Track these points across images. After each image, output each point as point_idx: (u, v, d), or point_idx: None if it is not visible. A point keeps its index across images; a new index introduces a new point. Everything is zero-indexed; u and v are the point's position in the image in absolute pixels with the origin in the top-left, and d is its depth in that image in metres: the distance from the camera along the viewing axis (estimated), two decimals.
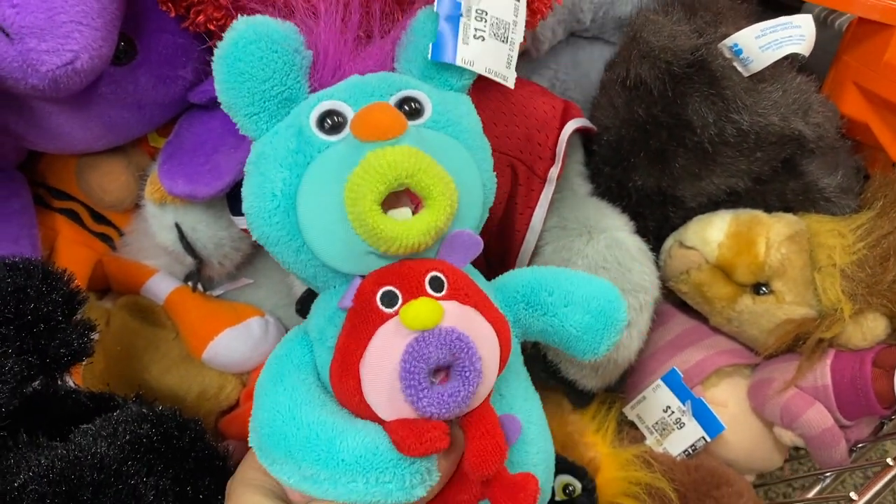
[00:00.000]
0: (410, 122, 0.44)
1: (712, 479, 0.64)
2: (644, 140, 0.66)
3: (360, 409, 0.43)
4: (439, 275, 0.44)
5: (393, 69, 0.50)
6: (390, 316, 0.42)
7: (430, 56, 0.48)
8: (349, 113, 0.45)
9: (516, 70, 0.74)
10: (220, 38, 0.59)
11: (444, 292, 0.43)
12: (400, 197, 0.43)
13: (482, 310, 0.44)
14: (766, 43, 0.59)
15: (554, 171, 0.67)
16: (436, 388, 0.40)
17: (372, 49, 0.49)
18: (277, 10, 0.51)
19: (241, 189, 0.61)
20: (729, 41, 0.60)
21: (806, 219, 0.68)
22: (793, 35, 0.59)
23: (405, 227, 0.41)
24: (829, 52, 0.72)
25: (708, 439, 0.67)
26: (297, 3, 0.48)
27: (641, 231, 0.69)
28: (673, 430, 0.69)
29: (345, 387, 0.43)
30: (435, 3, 0.48)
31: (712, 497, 0.63)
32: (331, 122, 0.45)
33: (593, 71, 0.77)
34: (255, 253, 0.74)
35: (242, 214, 0.63)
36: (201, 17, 0.57)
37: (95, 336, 0.53)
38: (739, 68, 0.61)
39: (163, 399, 0.65)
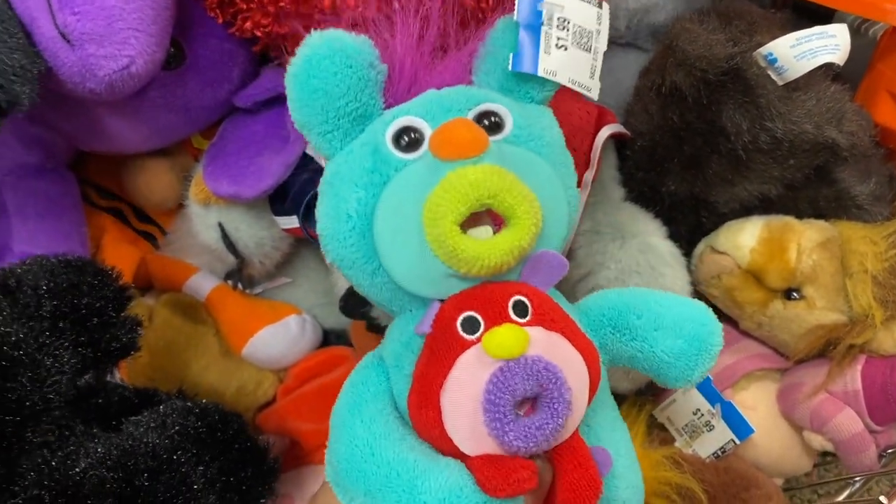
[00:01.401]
0: (491, 138, 0.42)
1: (742, 481, 0.65)
2: (678, 146, 0.67)
3: (441, 441, 0.41)
4: (523, 299, 0.41)
5: (470, 82, 0.48)
6: (472, 343, 0.40)
7: (510, 67, 0.45)
8: (426, 129, 0.43)
9: None
10: (267, 44, 0.62)
11: (528, 318, 0.41)
12: (480, 216, 0.41)
13: (569, 336, 0.42)
14: (801, 52, 0.60)
15: (589, 176, 0.68)
16: (522, 421, 0.38)
17: (448, 62, 0.48)
18: (342, 21, 0.52)
19: (284, 190, 0.64)
20: (764, 50, 0.61)
21: (838, 225, 0.69)
22: (828, 44, 0.60)
23: (487, 247, 0.40)
24: (863, 61, 0.73)
25: (737, 442, 0.68)
26: (372, 15, 0.48)
27: (674, 236, 0.70)
28: (702, 432, 0.69)
29: (424, 418, 0.41)
30: (514, 12, 0.46)
31: (741, 499, 0.64)
32: (407, 139, 0.43)
33: (627, 77, 0.77)
34: (293, 252, 0.76)
35: (284, 214, 0.66)
36: (248, 24, 0.59)
37: (142, 332, 0.56)
38: (774, 77, 0.62)
39: (203, 394, 0.67)
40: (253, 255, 0.71)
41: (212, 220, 0.69)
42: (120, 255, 0.73)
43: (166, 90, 0.62)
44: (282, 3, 0.55)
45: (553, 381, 0.39)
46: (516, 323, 0.40)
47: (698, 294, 0.73)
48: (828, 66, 0.63)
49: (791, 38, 0.60)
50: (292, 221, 0.65)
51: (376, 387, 0.45)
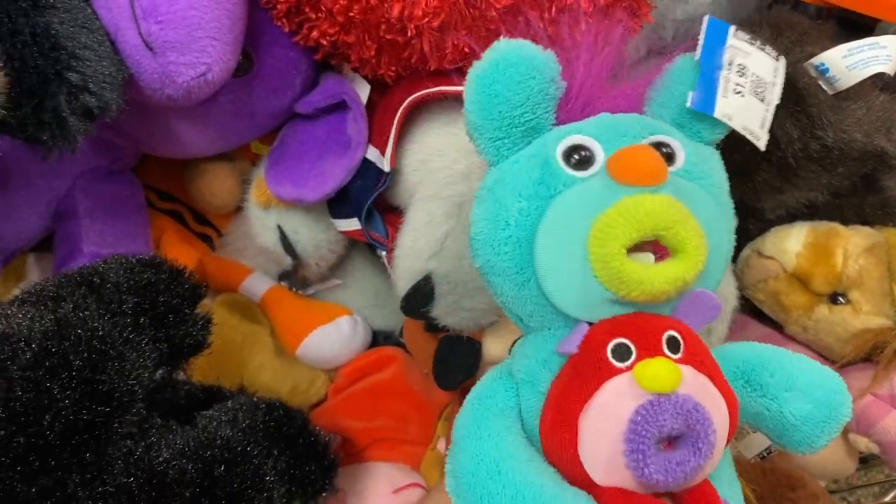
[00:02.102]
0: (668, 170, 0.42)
1: (788, 481, 0.66)
2: (728, 153, 0.68)
3: (571, 466, 0.40)
4: (677, 335, 0.41)
5: (643, 112, 0.48)
6: (621, 371, 0.39)
7: (689, 104, 0.45)
8: (598, 150, 0.43)
9: None
10: (328, 52, 0.64)
11: (680, 355, 0.40)
12: (643, 244, 0.40)
13: (715, 380, 0.41)
14: (853, 63, 0.61)
15: None
16: (664, 455, 0.38)
17: (624, 88, 0.48)
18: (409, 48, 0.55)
19: (343, 193, 0.66)
20: (816, 60, 0.62)
21: (884, 231, 0.70)
22: (879, 55, 0.61)
23: (652, 272, 0.39)
24: None
25: None
26: (562, 32, 0.47)
27: None
28: (748, 433, 0.70)
29: (558, 438, 0.40)
30: (697, 52, 0.46)
31: (788, 499, 0.65)
32: (578, 157, 0.42)
33: None
34: (344, 255, 0.78)
35: (343, 217, 0.67)
36: (315, 33, 0.61)
37: (212, 329, 0.57)
38: (825, 86, 0.63)
39: (258, 393, 0.69)
40: (310, 256, 0.73)
41: (271, 222, 0.71)
42: (178, 255, 0.74)
43: (234, 97, 0.64)
44: (351, 14, 0.56)
45: (702, 422, 0.38)
46: (669, 358, 0.40)
47: (744, 300, 0.74)
48: (877, 77, 0.64)
49: (843, 48, 0.62)
50: (352, 224, 0.66)
51: (504, 402, 0.44)
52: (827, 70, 0.62)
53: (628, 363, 0.39)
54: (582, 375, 0.40)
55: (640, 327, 0.41)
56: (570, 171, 0.42)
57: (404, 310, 0.60)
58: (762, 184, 0.68)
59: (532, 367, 0.43)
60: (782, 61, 0.49)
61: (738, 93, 0.46)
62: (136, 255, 0.54)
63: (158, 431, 0.50)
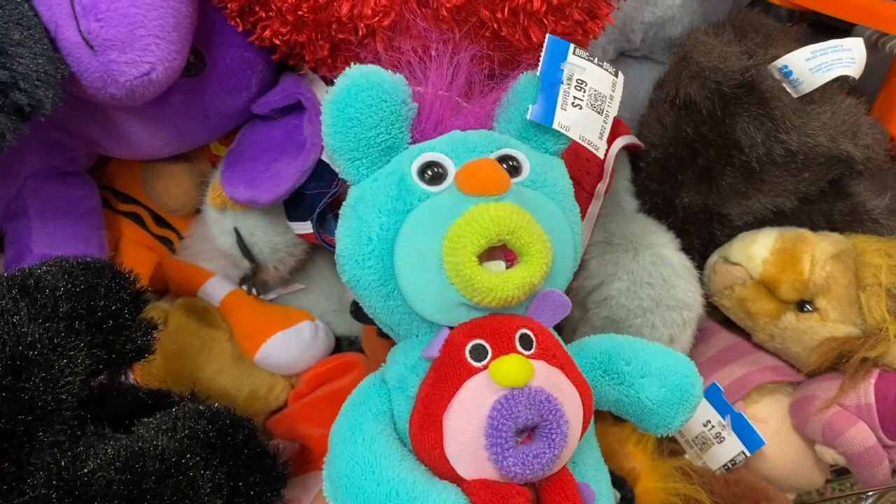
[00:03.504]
0: (511, 180, 0.45)
1: (752, 493, 0.65)
2: (692, 158, 0.67)
3: (439, 464, 0.43)
4: (529, 333, 0.44)
5: (492, 128, 0.51)
6: (479, 370, 0.42)
7: (528, 116, 0.49)
8: (450, 166, 0.46)
9: None
10: (285, 52, 0.63)
11: (532, 351, 0.43)
12: (494, 251, 0.44)
13: (568, 372, 0.44)
14: (817, 65, 0.60)
15: (601, 187, 0.68)
16: (521, 448, 0.40)
17: (473, 107, 0.51)
18: (363, 47, 0.55)
19: (299, 196, 0.65)
20: (779, 63, 0.61)
21: (852, 238, 0.68)
22: (843, 58, 0.60)
23: (501, 280, 0.42)
24: (880, 75, 0.73)
25: (748, 454, 0.67)
26: (409, 56, 0.51)
27: (687, 248, 0.70)
28: (713, 444, 0.69)
29: (426, 439, 0.43)
30: (538, 69, 0.49)
31: None
32: (431, 173, 0.46)
33: (642, 90, 0.78)
34: (307, 259, 0.77)
35: (298, 220, 0.66)
36: (267, 32, 0.59)
37: (157, 335, 0.56)
38: (789, 89, 0.62)
39: (215, 398, 0.67)
40: (268, 260, 0.71)
41: (228, 224, 0.69)
42: (137, 258, 0.73)
43: (186, 97, 0.63)
44: (300, 12, 0.55)
45: (553, 412, 0.41)
46: (522, 354, 0.42)
47: (711, 307, 0.73)
48: (843, 80, 0.63)
49: (806, 50, 0.60)
50: (307, 227, 0.65)
51: (377, 407, 0.47)
52: (790, 73, 0.61)
53: (485, 362, 0.42)
54: (444, 377, 0.43)
55: (495, 328, 0.43)
56: (424, 187, 0.45)
57: (354, 315, 0.59)
58: (727, 189, 0.67)
59: (401, 373, 0.46)
60: (620, 77, 0.53)
61: (577, 106, 0.50)
62: (78, 257, 0.53)
63: (89, 440, 0.48)
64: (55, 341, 0.46)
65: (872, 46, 0.74)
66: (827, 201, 0.68)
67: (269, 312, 0.74)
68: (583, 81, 0.51)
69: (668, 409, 0.49)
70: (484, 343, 0.43)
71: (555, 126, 0.49)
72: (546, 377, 0.43)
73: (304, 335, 0.73)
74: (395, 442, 0.45)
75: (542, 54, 0.50)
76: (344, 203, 0.49)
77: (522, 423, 0.40)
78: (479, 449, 0.41)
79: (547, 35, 0.50)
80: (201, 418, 0.53)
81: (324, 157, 0.65)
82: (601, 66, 0.52)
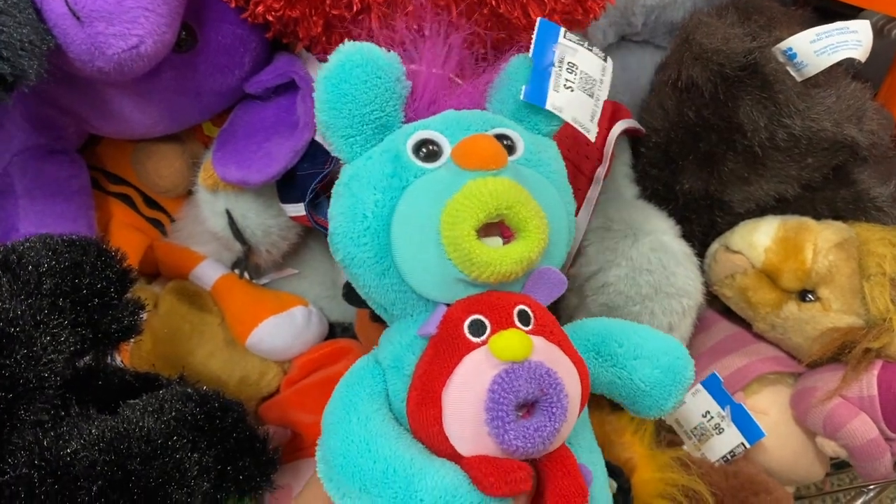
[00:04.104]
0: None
1: (751, 485, 0.64)
2: (693, 143, 0.66)
3: (438, 440, 0.42)
4: (527, 309, 0.43)
5: (485, 109, 0.51)
6: (478, 345, 0.42)
7: (521, 96, 0.48)
8: (445, 144, 0.45)
9: None
10: (279, 31, 0.62)
11: (531, 327, 0.43)
12: (491, 228, 0.43)
13: (565, 349, 0.44)
14: (822, 47, 0.59)
15: (601, 171, 0.67)
16: (522, 422, 0.40)
17: (466, 88, 0.51)
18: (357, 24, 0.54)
19: (292, 177, 0.64)
20: (783, 45, 0.60)
21: (856, 227, 0.67)
22: (849, 40, 0.59)
23: (499, 254, 0.41)
24: (885, 62, 0.72)
25: (747, 445, 0.66)
26: (403, 34, 0.51)
27: (687, 236, 0.69)
28: (712, 435, 0.68)
29: (424, 415, 0.42)
30: (530, 51, 0.49)
31: None
32: (426, 151, 0.45)
33: (642, 75, 0.77)
34: (300, 244, 0.76)
35: (291, 202, 0.65)
36: (260, 8, 0.58)
37: (145, 315, 0.55)
38: (793, 72, 0.61)
39: (206, 383, 0.66)
40: (260, 243, 0.70)
41: (220, 206, 0.68)
42: (127, 240, 0.72)
43: (177, 73, 0.61)
44: None
45: (553, 386, 0.41)
46: (521, 330, 0.42)
47: (712, 296, 0.72)
48: (849, 65, 0.62)
49: (811, 33, 0.59)
50: (299, 209, 0.64)
51: (371, 387, 0.46)
52: (795, 55, 0.60)
53: (483, 337, 0.42)
54: (442, 354, 0.42)
55: (493, 304, 0.43)
56: (419, 164, 0.45)
57: (346, 298, 0.58)
58: (729, 174, 0.66)
59: (397, 352, 0.46)
60: (609, 62, 0.53)
61: (569, 88, 0.50)
62: (62, 235, 0.52)
63: (73, 420, 0.47)
64: (38, 318, 0.45)
65: (878, 33, 0.73)
66: (830, 189, 0.67)
67: (261, 297, 0.73)
68: (574, 64, 0.51)
69: (661, 390, 0.49)
70: (483, 318, 0.42)
71: (547, 107, 0.49)
72: (545, 352, 0.42)
73: (297, 320, 0.72)
74: (391, 421, 0.44)
75: (534, 37, 0.50)
76: (336, 182, 0.48)
77: (523, 397, 0.40)
78: (479, 424, 0.40)
79: (538, 18, 0.50)
80: (189, 401, 0.52)
81: (317, 138, 0.64)
82: (591, 51, 0.52)
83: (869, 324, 0.65)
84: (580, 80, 0.51)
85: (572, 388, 0.43)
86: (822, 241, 0.66)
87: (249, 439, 0.54)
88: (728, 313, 0.74)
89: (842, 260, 0.65)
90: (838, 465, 0.76)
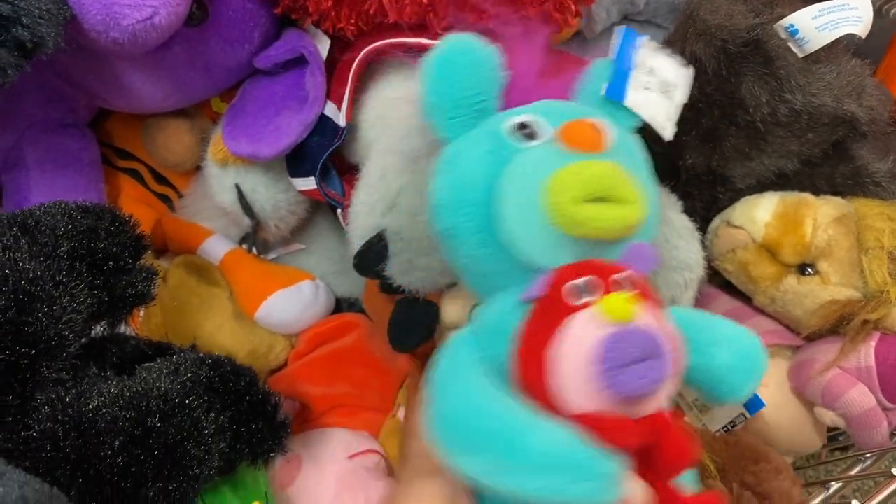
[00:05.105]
0: None
1: (751, 454, 0.65)
2: (696, 118, 0.67)
3: (545, 399, 0.42)
4: (628, 276, 0.44)
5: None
6: (585, 306, 0.42)
7: (602, 92, 0.51)
8: (545, 125, 0.47)
9: (570, 49, 0.75)
10: (288, 6, 0.63)
11: (634, 293, 0.44)
12: None
13: (660, 321, 0.44)
14: (823, 23, 0.60)
15: None
16: (632, 368, 0.41)
17: (555, 81, 0.53)
18: None
19: (301, 151, 0.64)
20: (785, 21, 0.61)
21: (854, 202, 0.68)
22: (850, 16, 0.60)
23: (604, 209, 0.43)
24: (884, 41, 0.73)
25: (748, 416, 0.67)
26: (504, 30, 0.52)
27: (689, 211, 0.69)
28: (712, 406, 0.69)
29: (531, 374, 0.43)
30: (612, 54, 0.52)
31: (751, 472, 0.64)
32: (526, 132, 0.47)
33: None
34: (308, 219, 0.77)
35: (301, 176, 0.66)
36: None
37: (157, 280, 0.56)
38: (795, 49, 0.61)
39: None
40: (269, 217, 0.71)
41: (229, 181, 0.69)
42: (136, 215, 0.72)
43: (188, 47, 0.62)
44: None
45: (660, 347, 0.42)
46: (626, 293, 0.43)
47: (713, 272, 0.73)
48: (849, 41, 0.63)
49: (813, 9, 0.60)
50: (309, 183, 0.65)
51: (470, 357, 0.46)
52: (796, 32, 0.61)
53: (590, 299, 0.42)
54: (549, 314, 0.43)
55: (597, 268, 0.44)
56: (519, 142, 0.46)
57: (357, 268, 0.59)
58: (731, 150, 0.67)
59: (499, 318, 0.46)
60: (690, 70, 0.55)
61: (647, 89, 0.53)
62: (76, 201, 0.53)
63: (92, 380, 0.48)
64: (56, 278, 0.46)
65: (877, 13, 0.74)
66: (830, 164, 0.68)
67: (269, 271, 0.74)
68: (652, 69, 0.53)
69: (738, 376, 0.50)
70: (588, 281, 0.43)
71: (627, 104, 0.51)
72: (649, 317, 0.43)
73: (305, 294, 0.73)
74: (496, 385, 0.44)
75: (614, 42, 0.53)
76: (439, 160, 0.50)
77: (630, 358, 0.41)
78: (587, 382, 0.41)
79: (622, 27, 0.54)
80: (203, 364, 0.53)
81: (326, 112, 0.65)
82: (671, 57, 0.54)
83: (867, 296, 0.66)
84: (659, 83, 0.53)
85: (674, 352, 0.43)
86: (821, 215, 0.67)
87: (262, 402, 0.55)
88: (729, 288, 0.75)
89: (841, 234, 0.66)
90: (832, 439, 0.77)
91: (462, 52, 0.47)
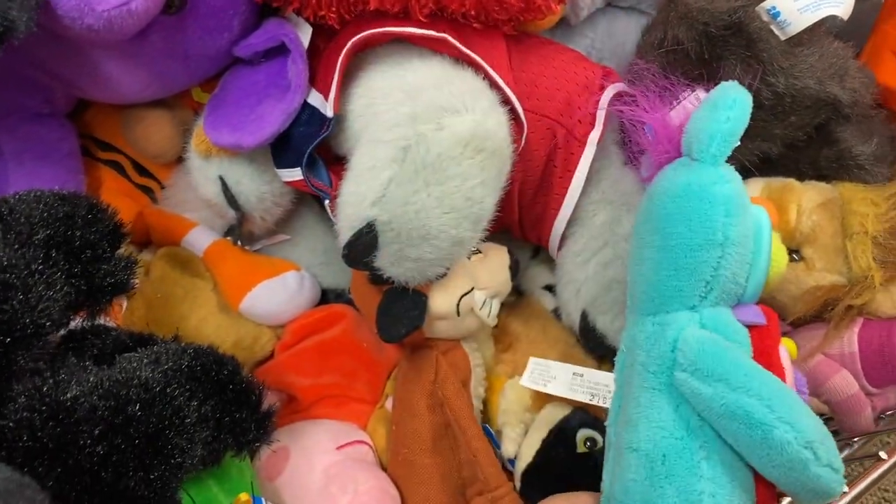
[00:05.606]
0: None
1: None
2: None
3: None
4: None
5: None
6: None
7: None
8: None
9: (554, 37, 0.75)
10: None
11: None
12: None
13: None
14: (805, 5, 0.60)
15: (594, 135, 0.68)
16: None
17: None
18: None
19: (286, 142, 0.64)
20: (767, 4, 0.61)
21: (839, 187, 0.68)
22: None
23: None
24: (867, 24, 0.73)
25: None
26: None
27: None
28: None
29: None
30: None
31: None
32: None
33: (629, 41, 0.77)
34: (294, 210, 0.76)
35: (287, 167, 0.65)
36: None
37: (138, 272, 0.55)
38: (776, 31, 0.61)
39: None
40: (254, 209, 0.70)
41: (213, 173, 0.68)
42: (117, 207, 0.71)
43: (166, 35, 0.61)
44: None
45: None
46: None
47: None
48: (831, 25, 0.63)
49: None
50: (295, 174, 0.64)
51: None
52: (778, 14, 0.61)
53: None
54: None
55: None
56: None
57: (346, 259, 0.58)
58: None
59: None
60: None
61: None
62: (53, 190, 0.52)
63: (70, 370, 0.48)
64: (32, 267, 0.46)
65: None
66: (813, 148, 0.68)
67: (253, 262, 0.73)
68: None
69: None
70: None
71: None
72: None
73: (290, 285, 0.73)
74: None
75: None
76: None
77: None
78: None
79: None
80: (184, 354, 0.53)
81: (310, 101, 0.64)
82: None
83: (851, 282, 0.66)
84: None
85: None
86: (805, 201, 0.67)
87: (246, 392, 0.55)
88: None
89: (825, 220, 0.66)
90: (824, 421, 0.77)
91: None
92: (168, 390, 0.48)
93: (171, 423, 0.47)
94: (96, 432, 0.44)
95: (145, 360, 0.50)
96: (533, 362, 0.69)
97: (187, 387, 0.50)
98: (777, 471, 0.45)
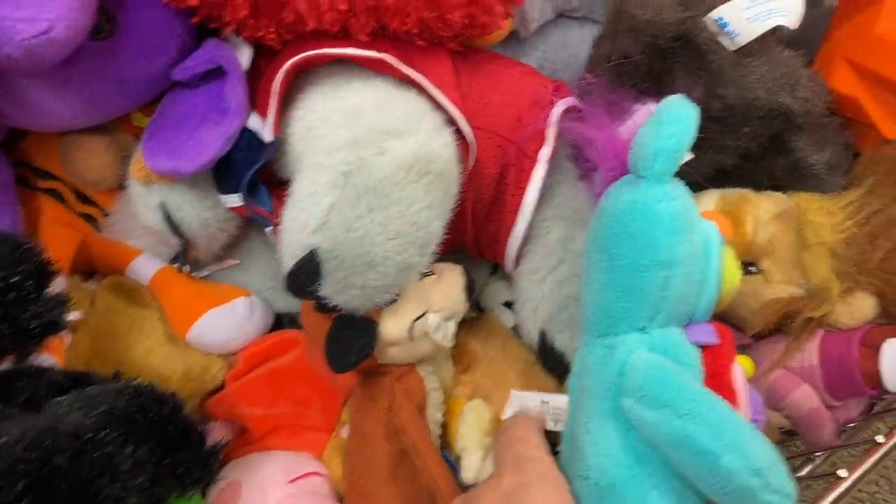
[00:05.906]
0: None
1: None
2: None
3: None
4: None
5: None
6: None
7: None
8: None
9: (505, 50, 0.73)
10: (205, 16, 0.60)
11: None
12: None
13: None
14: (754, 15, 0.59)
15: (545, 152, 0.66)
16: None
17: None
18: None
19: (229, 167, 0.62)
20: (714, 14, 0.60)
21: (795, 197, 0.67)
22: (780, 7, 0.59)
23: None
24: (820, 31, 0.72)
25: None
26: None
27: None
28: None
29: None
30: None
31: None
32: None
33: (582, 52, 0.76)
34: (241, 234, 0.74)
35: (230, 192, 0.63)
36: None
37: (73, 314, 0.53)
38: (725, 42, 0.60)
39: (147, 379, 0.64)
40: (198, 236, 0.68)
41: (154, 200, 0.66)
42: (58, 237, 0.70)
43: (98, 61, 0.59)
44: None
45: None
46: None
47: None
48: (781, 33, 0.62)
49: (743, 1, 0.59)
50: (237, 199, 0.62)
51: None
52: (726, 24, 0.60)
53: None
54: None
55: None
56: None
57: (290, 289, 0.56)
58: None
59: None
60: None
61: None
62: None
63: None
64: None
65: (813, 2, 0.73)
66: (768, 158, 0.67)
67: (201, 289, 0.71)
68: None
69: None
70: None
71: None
72: None
73: (239, 312, 0.71)
74: None
75: None
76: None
77: None
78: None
79: None
80: (120, 395, 0.51)
81: (250, 125, 0.62)
82: None
83: (810, 294, 0.66)
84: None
85: None
86: (762, 212, 0.66)
87: (186, 431, 0.53)
88: None
89: (781, 231, 0.65)
90: (788, 433, 0.76)
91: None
92: (99, 436, 0.46)
93: (103, 471, 0.45)
94: (19, 487, 0.42)
95: (77, 405, 0.48)
96: (514, 396, 0.67)
97: (121, 430, 0.48)
98: (728, 498, 0.44)
